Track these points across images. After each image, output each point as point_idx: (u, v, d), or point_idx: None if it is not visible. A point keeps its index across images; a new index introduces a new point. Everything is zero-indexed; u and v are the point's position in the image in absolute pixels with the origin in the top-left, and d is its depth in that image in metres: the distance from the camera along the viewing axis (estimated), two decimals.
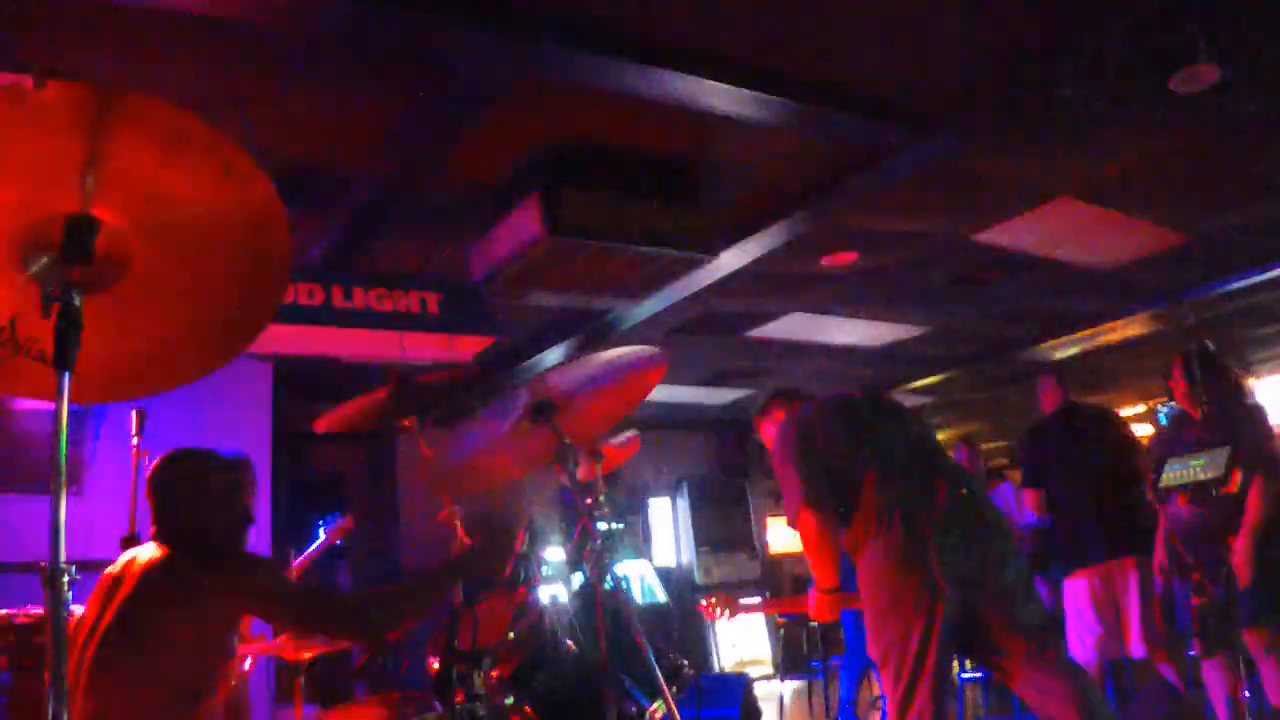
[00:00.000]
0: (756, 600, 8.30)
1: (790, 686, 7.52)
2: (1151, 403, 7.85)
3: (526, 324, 5.98)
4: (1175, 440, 3.90)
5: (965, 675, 5.95)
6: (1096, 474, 4.32)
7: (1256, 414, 3.78)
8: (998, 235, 4.90)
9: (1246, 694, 3.69)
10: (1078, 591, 4.30)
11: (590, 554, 2.16)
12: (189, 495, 2.14)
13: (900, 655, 2.56)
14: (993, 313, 6.53)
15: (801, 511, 2.77)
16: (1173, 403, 4.26)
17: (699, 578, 8.84)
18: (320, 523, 4.23)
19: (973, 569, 2.59)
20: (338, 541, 4.22)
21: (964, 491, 2.69)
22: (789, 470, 2.84)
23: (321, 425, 2.65)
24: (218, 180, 1.32)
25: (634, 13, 2.94)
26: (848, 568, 2.84)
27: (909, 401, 9.10)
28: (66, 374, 1.25)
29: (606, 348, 2.22)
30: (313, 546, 4.13)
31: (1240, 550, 3.49)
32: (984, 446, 8.63)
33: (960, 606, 2.56)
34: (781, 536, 10.04)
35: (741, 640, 8.72)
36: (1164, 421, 4.44)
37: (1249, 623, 3.51)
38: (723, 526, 9.24)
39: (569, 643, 2.47)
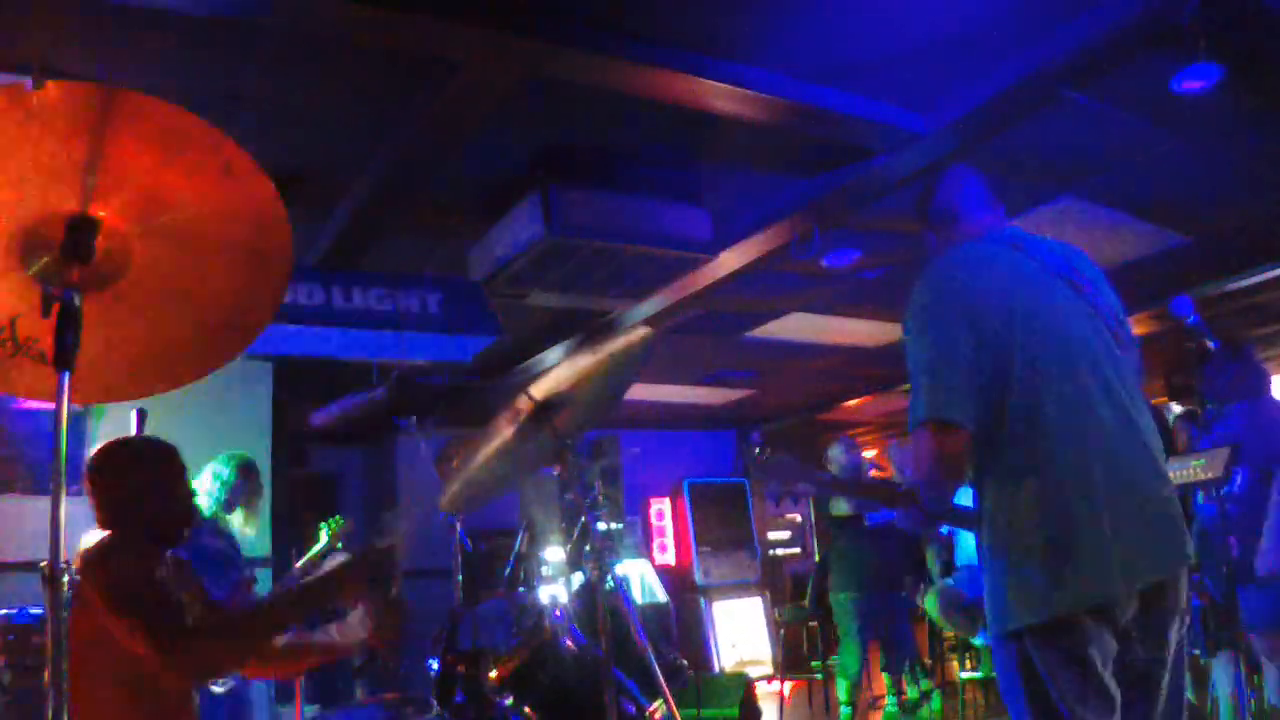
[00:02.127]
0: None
1: (790, 686, 7.52)
2: (1152, 403, 7.84)
3: (526, 324, 5.98)
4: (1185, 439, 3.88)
5: (965, 675, 5.96)
6: None
7: (1271, 411, 3.73)
8: None
9: (1247, 693, 3.69)
10: None
11: (590, 554, 2.16)
12: (114, 484, 2.11)
13: None
14: None
15: None
16: (1174, 403, 4.26)
17: (699, 578, 8.84)
18: (322, 525, 4.23)
19: None
20: (338, 543, 4.22)
21: None
22: None
23: None
24: (218, 180, 1.32)
25: (634, 12, 2.94)
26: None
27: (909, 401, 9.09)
28: (66, 374, 1.25)
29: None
30: (315, 549, 4.14)
31: (1265, 550, 3.44)
32: None
33: None
34: (781, 537, 10.05)
35: (741, 640, 8.73)
36: (1170, 422, 4.43)
37: (1260, 626, 3.48)
38: (723, 526, 9.24)
39: (569, 643, 2.47)
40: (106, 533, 1.99)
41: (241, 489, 3.97)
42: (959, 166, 2.19)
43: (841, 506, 5.63)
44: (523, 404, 2.13)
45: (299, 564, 4.04)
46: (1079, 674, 1.67)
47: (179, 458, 2.20)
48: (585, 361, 2.14)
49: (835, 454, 5.77)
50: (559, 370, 2.13)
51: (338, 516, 4.29)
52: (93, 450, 2.18)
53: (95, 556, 1.88)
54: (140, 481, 2.12)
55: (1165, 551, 1.77)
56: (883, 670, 5.92)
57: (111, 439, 2.21)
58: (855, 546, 5.60)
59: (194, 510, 2.24)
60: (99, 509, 2.10)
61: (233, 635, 1.94)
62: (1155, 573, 1.73)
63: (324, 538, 4.19)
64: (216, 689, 3.34)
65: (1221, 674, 3.69)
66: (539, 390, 2.12)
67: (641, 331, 2.17)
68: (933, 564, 6.25)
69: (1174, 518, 1.81)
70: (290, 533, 5.63)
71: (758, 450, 2.50)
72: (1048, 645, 1.69)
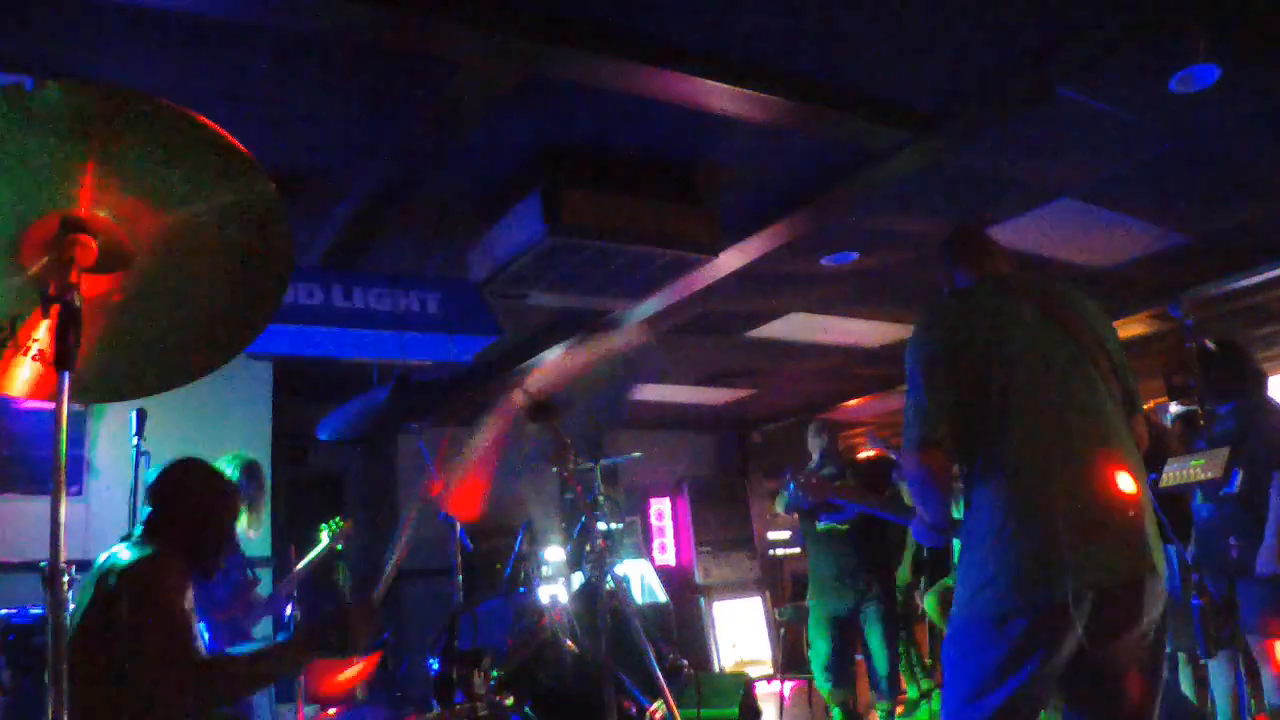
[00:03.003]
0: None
1: (790, 686, 7.52)
2: (1152, 403, 7.84)
3: (526, 324, 5.98)
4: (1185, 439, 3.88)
5: None
6: None
7: (1268, 412, 3.74)
8: (998, 235, 4.89)
9: (1247, 693, 3.69)
10: None
11: (590, 554, 2.16)
12: (190, 504, 2.19)
13: None
14: None
15: None
16: (1174, 403, 4.25)
17: (699, 578, 8.83)
18: (322, 526, 4.22)
19: None
20: (339, 545, 4.21)
21: None
22: None
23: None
24: (218, 180, 1.32)
25: (634, 12, 2.94)
26: None
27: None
28: (66, 374, 1.25)
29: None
30: (315, 551, 4.13)
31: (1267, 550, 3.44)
32: None
33: None
34: (781, 537, 10.05)
35: (741, 640, 8.72)
36: (1170, 422, 4.42)
37: (1260, 627, 3.47)
38: (723, 526, 9.24)
39: (569, 643, 2.47)
40: (149, 550, 2.03)
41: (245, 490, 3.97)
42: (961, 228, 2.57)
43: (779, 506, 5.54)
44: (517, 399, 2.14)
45: (299, 566, 4.03)
46: (1013, 663, 1.90)
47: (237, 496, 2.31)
48: (581, 357, 2.15)
49: (811, 438, 5.61)
50: (554, 365, 2.14)
51: (338, 518, 4.28)
52: (165, 463, 2.24)
53: (145, 576, 1.95)
54: (206, 507, 2.19)
55: (1119, 562, 1.95)
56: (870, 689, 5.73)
57: (186, 458, 2.27)
58: (813, 552, 5.38)
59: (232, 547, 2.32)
60: (156, 522, 2.13)
61: (234, 680, 2.07)
62: (1108, 581, 1.92)
63: (324, 539, 4.18)
64: None
65: (1221, 674, 3.69)
66: (534, 385, 2.12)
67: (638, 331, 2.21)
68: (905, 573, 6.20)
69: (1135, 531, 1.99)
70: (290, 533, 5.63)
71: (791, 482, 2.91)
72: (1000, 633, 1.93)
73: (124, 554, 2.03)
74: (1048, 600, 1.88)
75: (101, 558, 2.08)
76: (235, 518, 2.33)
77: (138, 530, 2.17)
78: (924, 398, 2.11)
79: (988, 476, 2.05)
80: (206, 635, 3.14)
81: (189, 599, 2.03)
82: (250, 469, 4.05)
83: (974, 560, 2.03)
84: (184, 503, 2.19)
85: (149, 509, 2.19)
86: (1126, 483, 2.00)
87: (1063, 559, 1.88)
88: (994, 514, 2.00)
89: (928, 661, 6.49)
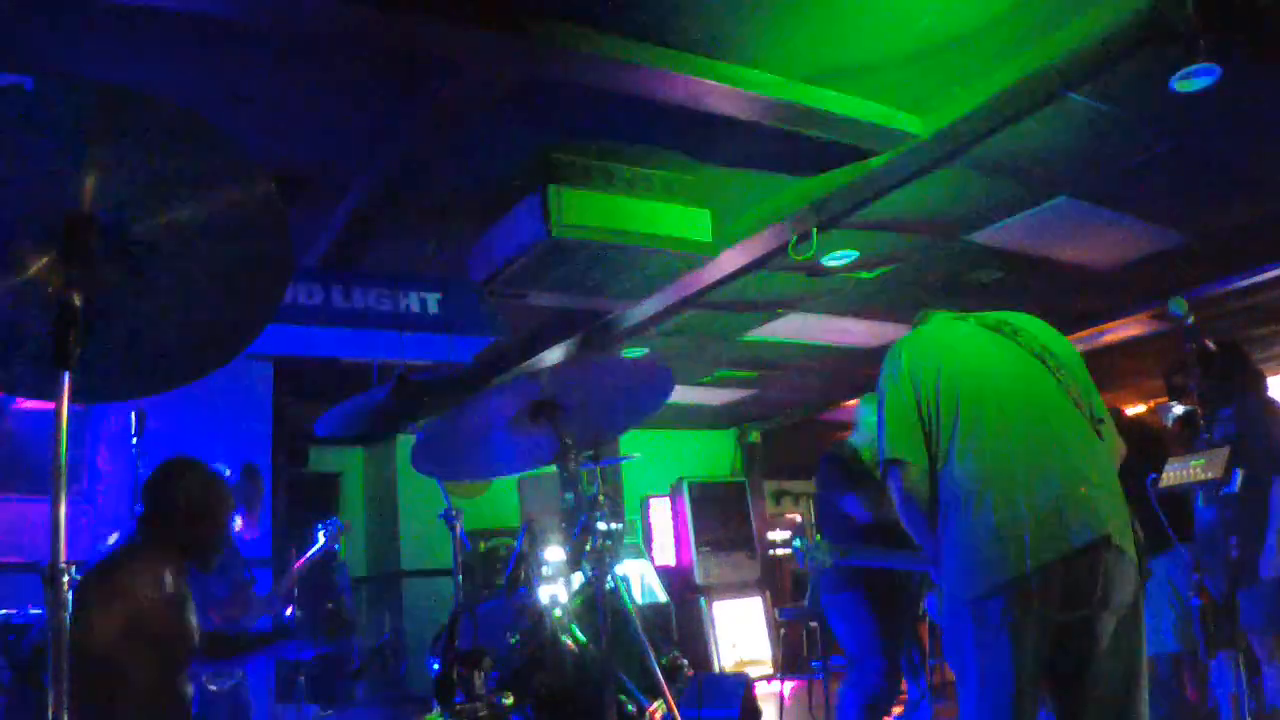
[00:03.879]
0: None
1: (790, 686, 7.52)
2: (1152, 403, 7.85)
3: (526, 324, 5.98)
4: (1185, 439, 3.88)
5: None
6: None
7: (1267, 412, 3.74)
8: (998, 235, 4.90)
9: (1247, 694, 3.69)
10: None
11: (590, 554, 2.16)
12: (182, 500, 2.25)
13: None
14: None
15: None
16: (1175, 403, 4.24)
17: (699, 578, 8.83)
18: (319, 526, 4.22)
19: None
20: (335, 545, 4.21)
21: None
22: None
23: None
24: (218, 180, 1.32)
25: (635, 12, 2.94)
26: None
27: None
28: (66, 374, 1.25)
29: (615, 351, 2.25)
30: (311, 550, 4.12)
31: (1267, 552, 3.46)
32: None
33: None
34: (781, 537, 10.05)
35: (741, 640, 8.72)
36: (1170, 422, 4.42)
37: (1259, 629, 3.48)
38: (723, 526, 9.23)
39: (569, 643, 2.47)
40: (138, 546, 2.06)
41: (242, 490, 3.97)
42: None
43: None
44: (524, 381, 2.15)
45: (298, 565, 4.04)
46: (993, 635, 2.04)
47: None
48: (587, 358, 2.15)
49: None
50: (560, 366, 2.15)
51: (335, 518, 4.28)
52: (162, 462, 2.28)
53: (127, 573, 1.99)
54: (198, 501, 2.23)
55: (1069, 534, 2.06)
56: None
57: (177, 456, 2.32)
58: None
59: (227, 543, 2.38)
60: (150, 519, 2.18)
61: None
62: (1056, 552, 2.04)
63: (321, 538, 4.18)
64: (214, 687, 3.34)
65: (1221, 674, 3.69)
66: (548, 386, 2.13)
67: (661, 374, 2.31)
68: None
69: (1085, 503, 2.11)
70: (290, 533, 5.63)
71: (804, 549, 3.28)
72: (979, 613, 2.07)
73: (99, 563, 2.09)
74: (1013, 577, 2.02)
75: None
76: (229, 510, 2.37)
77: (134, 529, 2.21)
78: (886, 420, 2.30)
79: (953, 476, 2.19)
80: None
81: (173, 587, 2.06)
82: (249, 470, 4.06)
83: (945, 549, 2.19)
84: (176, 499, 2.24)
85: (141, 507, 2.23)
86: (1081, 473, 2.14)
87: (1021, 535, 2.04)
88: (961, 507, 2.15)
89: (927, 661, 6.48)
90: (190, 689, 2.20)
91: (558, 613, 2.53)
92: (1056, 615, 2.05)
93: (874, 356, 7.64)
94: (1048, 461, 2.15)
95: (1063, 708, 2.15)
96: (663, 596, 7.96)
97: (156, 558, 2.13)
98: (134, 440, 3.64)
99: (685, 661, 2.50)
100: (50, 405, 1.25)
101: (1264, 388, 3.87)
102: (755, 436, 10.43)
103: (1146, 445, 4.31)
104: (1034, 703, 2.05)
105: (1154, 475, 3.72)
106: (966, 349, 2.35)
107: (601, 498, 2.53)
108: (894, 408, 2.30)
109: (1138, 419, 4.60)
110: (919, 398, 2.27)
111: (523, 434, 2.26)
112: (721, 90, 3.26)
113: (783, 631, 7.87)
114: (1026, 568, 2.02)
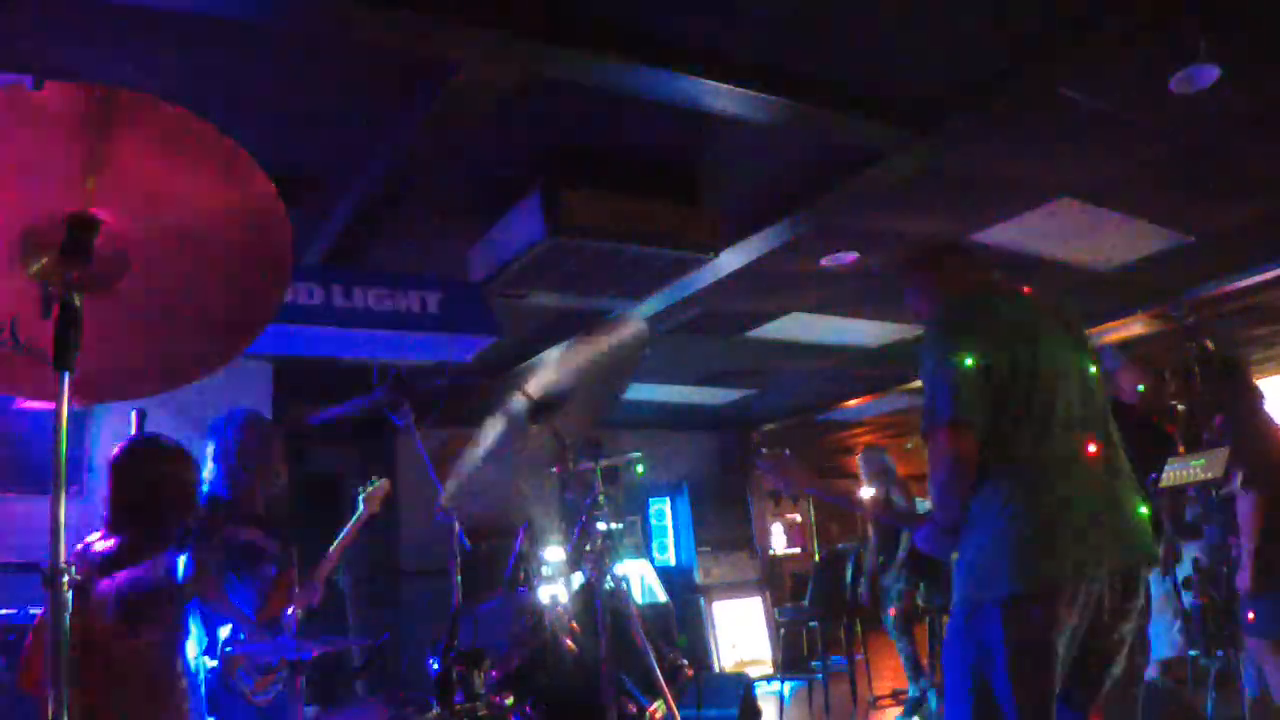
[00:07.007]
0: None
1: (790, 686, 7.52)
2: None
3: (526, 324, 5.97)
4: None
5: None
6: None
7: (1259, 421, 3.75)
8: (998, 235, 4.90)
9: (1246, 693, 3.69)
10: None
11: (590, 554, 2.16)
12: (140, 479, 2.23)
13: None
14: None
15: None
16: (1174, 403, 4.25)
17: (699, 578, 8.83)
18: (355, 491, 4.04)
19: None
20: (376, 508, 3.91)
21: None
22: None
23: None
24: (218, 180, 1.32)
25: (635, 13, 2.94)
26: None
27: (908, 400, 9.10)
28: (66, 374, 1.25)
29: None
30: (354, 519, 3.95)
31: (1246, 563, 3.48)
32: None
33: None
34: (781, 537, 10.05)
35: (741, 640, 8.72)
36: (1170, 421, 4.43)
37: (1256, 633, 3.49)
38: (723, 526, 9.24)
39: (569, 643, 2.47)
40: (116, 538, 2.05)
41: (241, 442, 3.85)
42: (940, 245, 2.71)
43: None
44: (517, 400, 2.14)
45: (334, 545, 3.89)
46: (1022, 641, 1.97)
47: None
48: (579, 355, 2.15)
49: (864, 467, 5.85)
50: (552, 365, 2.14)
51: (374, 478, 4.07)
52: (116, 446, 2.25)
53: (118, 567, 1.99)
54: (154, 476, 2.20)
55: (1120, 548, 2.06)
56: None
57: (133, 437, 2.29)
58: None
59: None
60: (114, 507, 2.16)
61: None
62: (1101, 567, 2.02)
63: (360, 506, 4.00)
64: (259, 700, 3.15)
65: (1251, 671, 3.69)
66: (534, 386, 2.13)
67: (636, 326, 2.22)
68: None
69: (1137, 517, 2.13)
70: (290, 532, 5.61)
71: (762, 449, 2.76)
72: (1009, 616, 1.98)
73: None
74: (1050, 582, 1.97)
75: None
76: (190, 475, 2.32)
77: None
78: (956, 382, 2.07)
79: (1001, 469, 2.08)
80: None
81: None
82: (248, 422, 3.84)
83: (981, 545, 2.08)
84: (134, 480, 2.22)
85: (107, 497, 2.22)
86: (1117, 493, 2.12)
87: (1066, 544, 1.99)
88: (1003, 503, 2.05)
89: (925, 661, 6.49)
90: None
91: (558, 613, 2.53)
92: (1093, 620, 2.03)
93: (874, 356, 7.67)
94: (1105, 469, 2.14)
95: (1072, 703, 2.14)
96: (663, 596, 7.96)
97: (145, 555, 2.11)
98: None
99: (685, 662, 2.50)
100: (50, 405, 1.25)
101: (1260, 400, 3.89)
102: (756, 437, 10.43)
103: (1150, 446, 4.33)
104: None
105: (1154, 475, 3.73)
106: (1037, 338, 2.21)
107: (601, 498, 2.53)
108: (967, 372, 2.10)
109: (1145, 419, 4.61)
110: (994, 376, 2.11)
111: (524, 441, 2.25)
112: (721, 90, 3.25)
113: (783, 631, 7.86)
114: (1067, 575, 1.98)
